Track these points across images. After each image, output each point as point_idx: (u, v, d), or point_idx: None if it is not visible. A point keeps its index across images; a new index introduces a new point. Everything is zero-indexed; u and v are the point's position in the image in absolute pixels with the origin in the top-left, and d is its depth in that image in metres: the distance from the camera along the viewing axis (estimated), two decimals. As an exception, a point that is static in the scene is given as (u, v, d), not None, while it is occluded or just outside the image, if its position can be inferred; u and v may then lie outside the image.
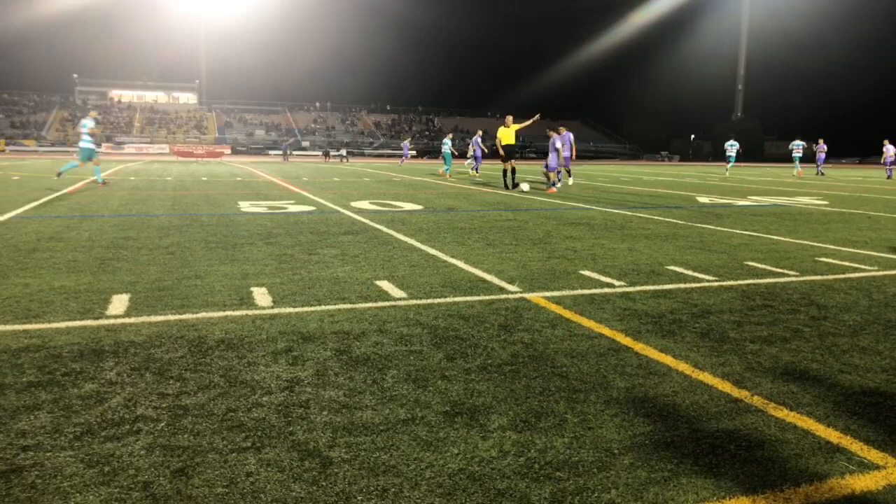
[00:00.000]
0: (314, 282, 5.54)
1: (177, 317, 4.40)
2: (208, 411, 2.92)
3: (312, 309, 4.66)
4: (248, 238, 8.06)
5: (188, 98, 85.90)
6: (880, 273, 6.34)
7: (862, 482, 2.42)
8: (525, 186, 16.64)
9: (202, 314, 4.47)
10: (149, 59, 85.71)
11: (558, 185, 17.78)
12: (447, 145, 26.98)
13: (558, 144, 17.64)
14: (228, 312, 4.53)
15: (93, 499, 2.20)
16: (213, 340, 3.91)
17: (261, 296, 5.02)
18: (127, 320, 4.30)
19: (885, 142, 31.43)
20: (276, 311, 4.60)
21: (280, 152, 49.89)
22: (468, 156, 30.05)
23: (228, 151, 62.74)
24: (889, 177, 30.85)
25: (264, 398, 3.07)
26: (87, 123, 16.53)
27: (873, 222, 10.95)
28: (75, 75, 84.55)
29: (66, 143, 64.14)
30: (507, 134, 17.72)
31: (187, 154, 55.32)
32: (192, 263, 6.33)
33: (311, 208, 12.03)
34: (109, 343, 3.82)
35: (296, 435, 2.70)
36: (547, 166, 18.02)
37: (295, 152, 63.30)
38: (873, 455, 2.62)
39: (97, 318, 4.32)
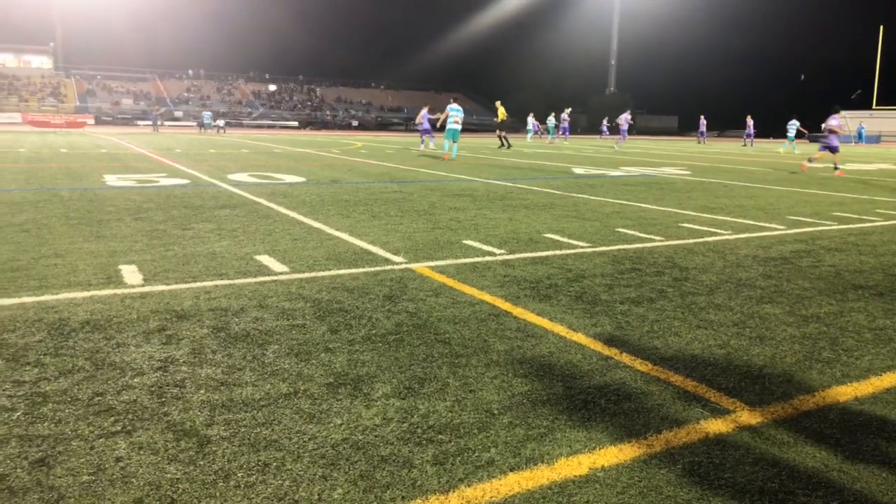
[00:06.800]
0: (189, 258, 5.29)
1: (34, 299, 4.07)
2: (72, 397, 2.73)
3: (187, 286, 4.45)
4: (115, 213, 7.55)
5: (42, 62, 78.38)
6: (733, 236, 6.92)
7: (714, 426, 2.65)
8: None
9: (63, 295, 4.16)
10: (-7, 17, 77.00)
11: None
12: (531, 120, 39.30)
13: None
14: (94, 292, 4.24)
15: (-63, 498, 2.02)
16: (76, 322, 3.65)
17: (130, 274, 4.74)
18: (-26, 304, 3.92)
19: (749, 116, 38.25)
20: (147, 289, 4.36)
21: (150, 123, 46.89)
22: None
23: (92, 121, 58.11)
24: (745, 145, 38.13)
25: (135, 380, 2.92)
26: None
27: (728, 190, 11.89)
28: None
29: None
30: (501, 112, 27.71)
31: (43, 124, 50.72)
32: (50, 241, 5.85)
33: (185, 181, 11.43)
34: (-46, 330, 3.48)
35: (171, 415, 2.59)
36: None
37: (167, 123, 59.67)
38: (724, 401, 2.88)
39: (-62, 304, 3.91)
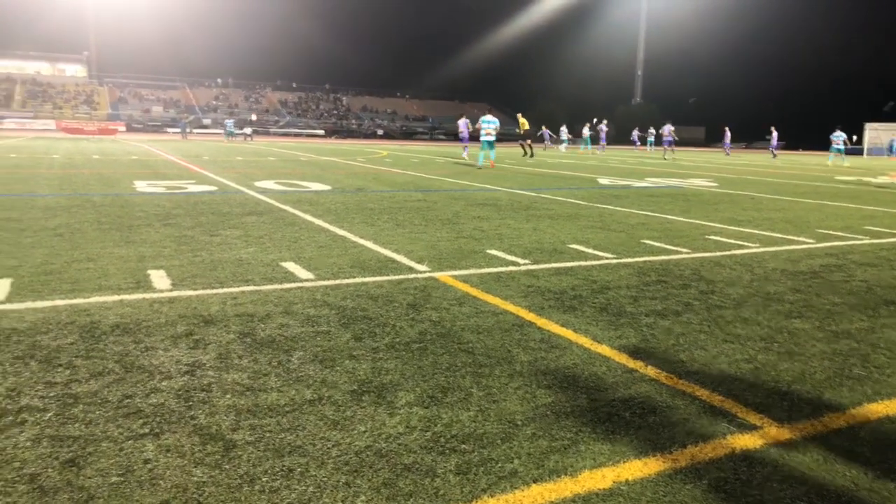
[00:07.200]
0: (216, 264, 5.36)
1: (66, 302, 4.15)
2: (102, 399, 2.78)
3: (214, 291, 4.51)
4: (144, 219, 7.68)
5: (76, 70, 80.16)
6: (761, 249, 6.82)
7: (741, 441, 2.61)
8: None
9: (95, 298, 4.24)
10: (29, 26, 78.99)
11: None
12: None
13: None
14: (124, 296, 4.32)
15: (-28, 495, 2.07)
16: (106, 325, 3.72)
17: (159, 279, 4.81)
18: (8, 306, 4.02)
19: (772, 128, 37.66)
20: (175, 294, 4.43)
21: (179, 130, 47.73)
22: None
23: (123, 128, 59.30)
24: (774, 157, 37.98)
25: (163, 383, 2.97)
26: None
27: (756, 203, 11.74)
28: (-56, 42, 76.89)
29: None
30: (522, 122, 29.93)
31: (76, 131, 51.88)
32: (82, 246, 5.97)
33: (213, 188, 11.59)
34: (-11, 331, 3.56)
35: (197, 419, 2.63)
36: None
37: (195, 130, 60.61)
38: (752, 417, 2.84)
39: (-26, 305, 4.01)
